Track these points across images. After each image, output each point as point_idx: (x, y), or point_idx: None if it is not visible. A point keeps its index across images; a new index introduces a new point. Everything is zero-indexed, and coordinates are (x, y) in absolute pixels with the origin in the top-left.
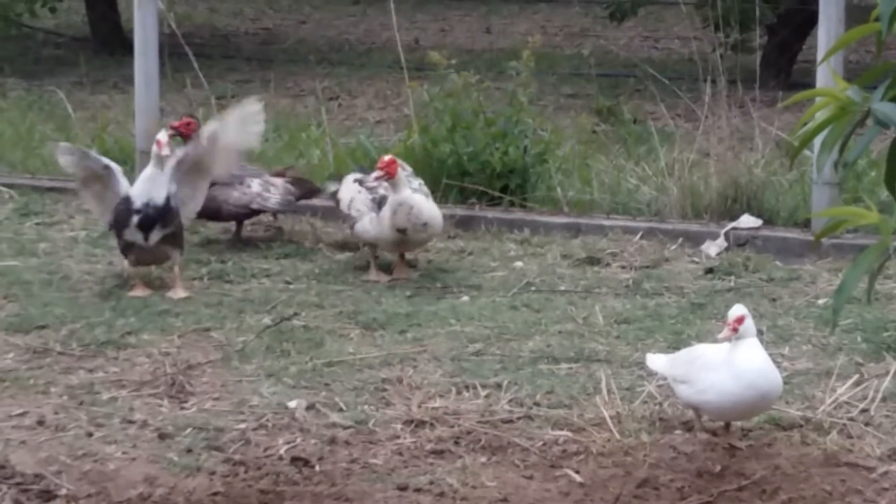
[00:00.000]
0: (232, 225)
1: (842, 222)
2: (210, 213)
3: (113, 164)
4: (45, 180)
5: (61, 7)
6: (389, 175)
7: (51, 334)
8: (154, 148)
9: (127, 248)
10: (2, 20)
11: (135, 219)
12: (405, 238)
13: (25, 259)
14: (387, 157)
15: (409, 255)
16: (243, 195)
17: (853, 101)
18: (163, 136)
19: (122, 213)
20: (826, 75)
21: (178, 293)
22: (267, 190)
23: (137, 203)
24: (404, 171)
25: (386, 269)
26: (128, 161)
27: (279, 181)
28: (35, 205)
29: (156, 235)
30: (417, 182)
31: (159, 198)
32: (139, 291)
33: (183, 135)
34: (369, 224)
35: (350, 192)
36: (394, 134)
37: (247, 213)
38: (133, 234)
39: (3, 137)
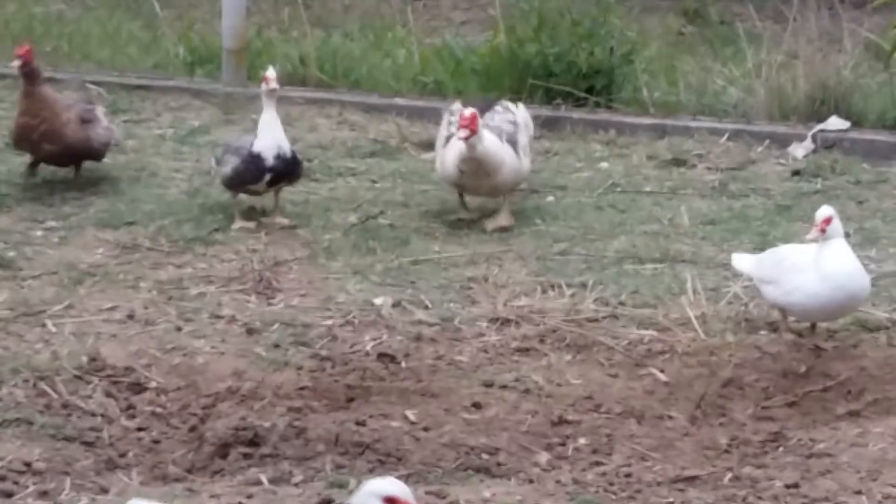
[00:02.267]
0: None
1: None
2: (87, 153)
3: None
4: (133, 78)
5: None
6: (472, 131)
7: (139, 230)
8: (263, 85)
9: (231, 189)
10: None
11: (267, 176)
12: (465, 181)
13: (113, 156)
14: (467, 112)
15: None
16: (105, 130)
17: None
18: (270, 71)
19: (252, 171)
20: None
21: (279, 220)
22: (110, 120)
23: (270, 159)
24: (501, 110)
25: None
26: (214, 59)
27: (96, 108)
28: (123, 102)
29: (279, 183)
30: (504, 118)
31: (287, 148)
32: (243, 223)
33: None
34: (438, 162)
35: (443, 124)
36: (479, 34)
37: (106, 148)
38: (259, 187)
39: (91, 36)
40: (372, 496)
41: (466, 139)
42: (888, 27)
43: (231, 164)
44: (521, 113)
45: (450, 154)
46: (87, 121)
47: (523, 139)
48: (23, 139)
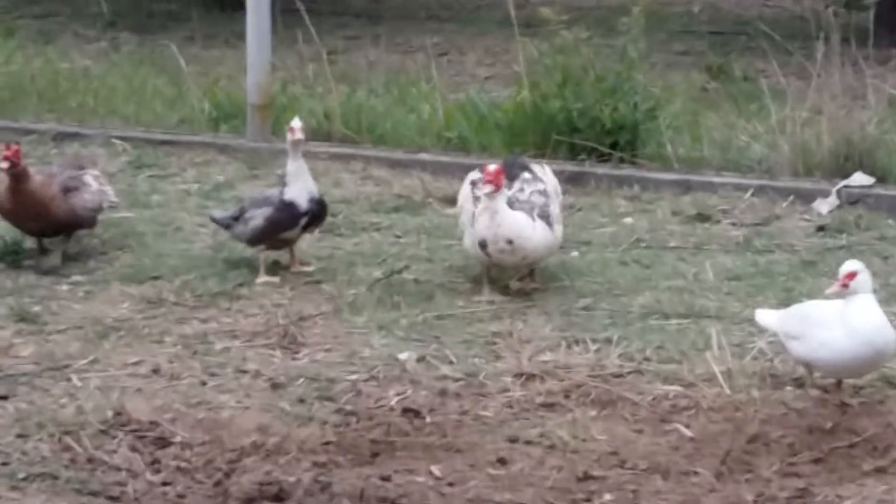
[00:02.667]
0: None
1: None
2: (75, 223)
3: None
4: (158, 133)
5: None
6: (497, 187)
7: (164, 285)
8: (289, 136)
9: (262, 241)
10: None
11: (303, 221)
12: (489, 257)
13: (139, 211)
14: (492, 168)
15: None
16: (93, 195)
17: None
18: (296, 122)
19: (287, 218)
20: None
21: (301, 267)
22: (101, 183)
23: (304, 204)
24: (530, 178)
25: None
26: (238, 114)
27: (86, 172)
28: (148, 158)
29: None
30: (533, 189)
31: (316, 192)
32: (268, 278)
33: (14, 164)
34: (467, 238)
35: (464, 196)
36: (503, 90)
37: (97, 213)
38: (294, 233)
39: (116, 91)
40: None
41: (490, 194)
42: None
43: (262, 215)
44: (548, 177)
45: (476, 224)
46: (70, 189)
47: (555, 209)
48: (9, 220)
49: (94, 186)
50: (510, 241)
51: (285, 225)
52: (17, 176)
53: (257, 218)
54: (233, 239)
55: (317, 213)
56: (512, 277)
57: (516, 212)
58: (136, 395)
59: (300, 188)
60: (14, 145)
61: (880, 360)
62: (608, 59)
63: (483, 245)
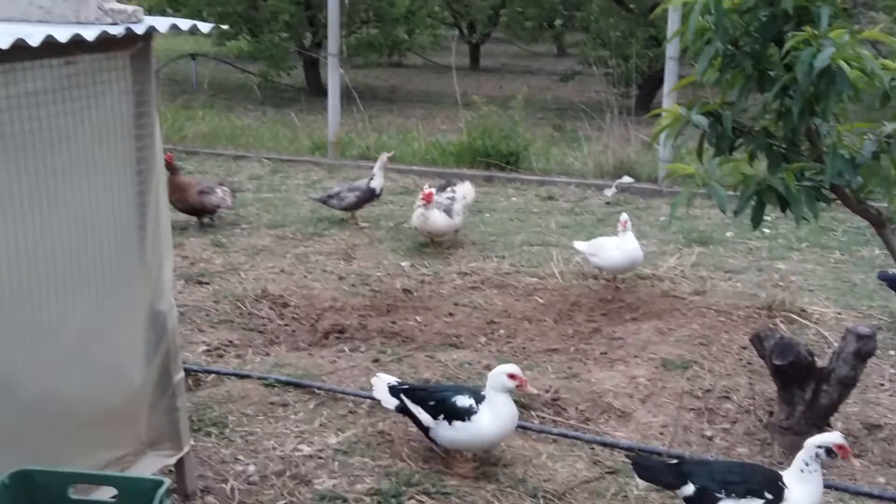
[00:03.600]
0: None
1: (672, 173)
2: (200, 210)
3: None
4: (284, 156)
5: (294, 71)
6: (428, 202)
7: (287, 230)
8: (380, 160)
9: (351, 209)
10: (264, 78)
11: (375, 200)
12: (418, 229)
13: (275, 194)
14: (427, 191)
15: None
16: (215, 197)
17: (681, 114)
18: (385, 154)
19: (368, 197)
20: (669, 103)
21: (361, 224)
22: (225, 194)
23: (378, 190)
24: (449, 192)
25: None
26: (323, 147)
27: (220, 188)
28: (279, 168)
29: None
30: (446, 196)
31: (382, 184)
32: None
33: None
34: (413, 219)
35: (418, 202)
36: (454, 136)
37: (216, 208)
38: (363, 205)
39: (264, 136)
40: (501, 374)
41: (424, 207)
42: (655, 130)
43: (354, 195)
44: (461, 190)
45: (414, 217)
46: (203, 192)
47: (458, 206)
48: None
49: (219, 194)
50: (426, 220)
51: (366, 200)
52: (170, 168)
53: (350, 197)
54: (328, 208)
55: (379, 195)
56: (439, 244)
57: (434, 210)
58: (272, 282)
59: (378, 183)
60: (169, 154)
61: (635, 265)
62: (505, 120)
63: (416, 227)
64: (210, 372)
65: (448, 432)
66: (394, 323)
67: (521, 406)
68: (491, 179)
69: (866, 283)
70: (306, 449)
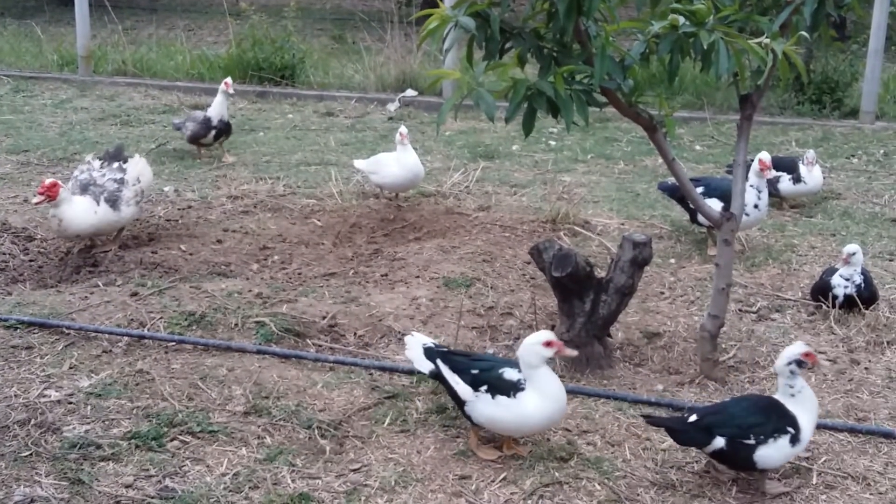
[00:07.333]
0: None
1: (436, 81)
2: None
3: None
4: (28, 72)
5: None
6: (51, 199)
7: (32, 155)
8: (223, 86)
9: (194, 142)
10: None
11: (212, 133)
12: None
13: (16, 114)
14: (48, 182)
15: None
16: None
17: (448, 15)
18: (229, 80)
19: (203, 128)
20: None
21: (228, 159)
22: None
23: (215, 121)
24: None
25: None
26: (71, 64)
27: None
28: (22, 86)
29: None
30: (111, 177)
31: (227, 116)
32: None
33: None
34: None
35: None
36: (223, 48)
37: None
38: (207, 140)
39: (3, 50)
40: (534, 344)
41: (38, 204)
42: (422, 34)
43: (191, 126)
44: (134, 169)
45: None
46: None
47: (128, 193)
48: None
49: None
50: (60, 221)
51: (202, 133)
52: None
53: (190, 127)
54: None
55: (223, 129)
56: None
57: (80, 199)
58: (14, 214)
59: (217, 112)
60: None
61: (417, 181)
62: (279, 30)
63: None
64: None
65: (489, 408)
66: (154, 253)
67: (296, 335)
68: (265, 95)
69: (649, 193)
70: (54, 394)
